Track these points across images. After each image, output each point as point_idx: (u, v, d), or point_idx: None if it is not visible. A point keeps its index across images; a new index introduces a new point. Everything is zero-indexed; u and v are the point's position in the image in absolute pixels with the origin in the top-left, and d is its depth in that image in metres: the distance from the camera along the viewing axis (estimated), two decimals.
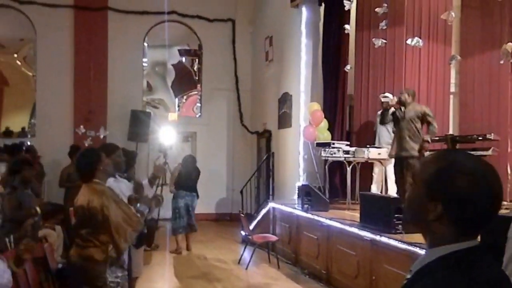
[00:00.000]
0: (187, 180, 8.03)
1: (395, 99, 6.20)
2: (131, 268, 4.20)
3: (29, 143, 11.23)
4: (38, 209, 5.16)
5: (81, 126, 10.32)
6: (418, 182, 1.20)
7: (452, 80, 8.01)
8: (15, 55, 16.36)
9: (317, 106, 8.19)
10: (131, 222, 3.17)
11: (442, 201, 1.14)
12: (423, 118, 5.90)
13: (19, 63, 16.83)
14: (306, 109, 8.50)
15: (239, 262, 7.26)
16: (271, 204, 8.22)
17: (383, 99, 6.84)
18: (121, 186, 4.02)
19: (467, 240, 1.16)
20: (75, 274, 3.28)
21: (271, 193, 9.76)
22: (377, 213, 5.36)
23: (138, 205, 3.83)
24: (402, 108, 5.98)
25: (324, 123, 8.13)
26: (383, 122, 6.62)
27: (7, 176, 6.29)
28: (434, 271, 1.15)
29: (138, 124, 10.26)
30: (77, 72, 10.69)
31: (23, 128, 16.32)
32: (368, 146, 7.26)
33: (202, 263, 7.40)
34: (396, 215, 5.01)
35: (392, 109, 6.11)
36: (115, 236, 3.08)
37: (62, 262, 5.38)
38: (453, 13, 5.62)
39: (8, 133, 14.87)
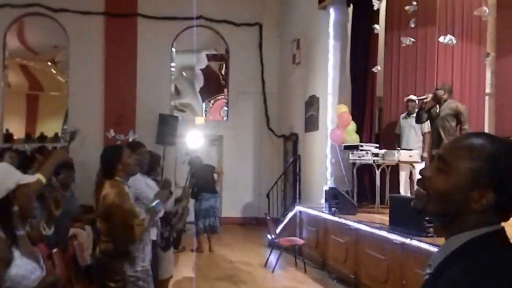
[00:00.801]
0: (205, 181, 8.04)
1: (430, 96, 5.99)
2: (157, 269, 4.17)
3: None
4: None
5: (111, 130, 10.49)
6: (457, 171, 1.10)
7: (487, 80, 7.70)
8: (49, 63, 16.87)
9: (345, 108, 8.04)
10: (135, 229, 3.10)
11: (494, 188, 1.07)
12: (457, 116, 5.68)
13: (53, 70, 17.34)
14: (333, 111, 8.36)
15: (265, 265, 7.18)
16: (297, 208, 8.09)
17: (417, 98, 6.64)
18: (148, 181, 4.00)
19: (494, 224, 1.10)
20: (97, 269, 3.31)
21: (297, 196, 9.62)
22: (408, 215, 5.15)
23: (154, 202, 3.79)
24: (438, 106, 5.78)
25: (352, 126, 7.96)
26: (419, 121, 6.40)
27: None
28: (470, 253, 1.07)
29: (166, 128, 10.33)
30: (108, 77, 10.87)
31: (56, 134, 16.77)
32: (398, 148, 7.05)
33: (227, 265, 7.34)
34: (427, 218, 4.81)
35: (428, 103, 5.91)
36: (118, 234, 3.06)
37: (91, 260, 5.44)
38: (486, 8, 5.40)
39: (42, 138, 15.28)
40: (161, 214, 3.58)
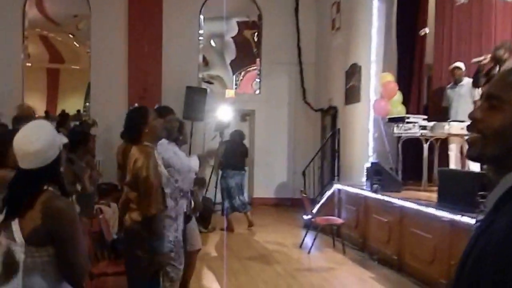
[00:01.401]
0: (234, 157, 8.39)
1: (489, 57, 5.88)
2: (186, 240, 4.36)
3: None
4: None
5: (136, 104, 10.76)
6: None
7: None
8: (70, 35, 17.30)
9: (390, 77, 7.99)
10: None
11: None
12: None
13: (75, 43, 17.77)
14: (377, 81, 8.32)
15: (300, 246, 7.35)
16: (336, 186, 8.19)
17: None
18: (176, 149, 4.05)
19: None
20: (128, 239, 3.38)
21: (336, 174, 9.70)
22: (458, 190, 5.18)
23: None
24: (498, 67, 5.68)
25: (398, 96, 7.90)
26: (476, 85, 6.30)
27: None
28: None
29: (194, 101, 10.49)
30: (131, 47, 11.06)
31: (78, 111, 17.25)
32: (450, 120, 6.98)
33: (260, 245, 7.54)
34: (480, 192, 4.80)
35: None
36: (148, 197, 3.13)
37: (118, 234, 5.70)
38: None
39: (63, 116, 15.73)
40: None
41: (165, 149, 3.79)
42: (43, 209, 1.98)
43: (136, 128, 3.30)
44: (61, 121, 11.30)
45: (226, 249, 7.03)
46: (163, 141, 3.84)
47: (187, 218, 4.48)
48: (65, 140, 2.18)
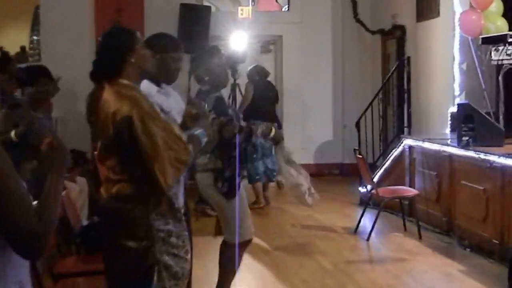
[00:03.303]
0: (261, 104, 8.59)
1: None
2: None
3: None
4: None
5: None
6: None
7: None
8: None
9: None
10: (176, 148, 3.17)
11: None
12: None
13: None
14: None
15: (355, 231, 7.47)
16: (406, 142, 8.24)
17: None
18: (170, 101, 4.06)
19: None
20: (106, 222, 3.41)
21: (406, 125, 9.76)
22: None
23: (198, 130, 3.95)
24: None
25: (497, 5, 7.89)
26: None
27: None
28: None
29: (192, 25, 10.51)
30: None
31: (22, 48, 17.41)
32: None
33: (297, 231, 7.71)
34: None
35: None
36: (153, 165, 3.09)
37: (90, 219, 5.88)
38: None
39: (4, 56, 15.87)
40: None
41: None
42: None
43: (117, 56, 3.23)
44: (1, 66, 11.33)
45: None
46: (152, 89, 3.80)
47: (229, 192, 4.52)
48: None
